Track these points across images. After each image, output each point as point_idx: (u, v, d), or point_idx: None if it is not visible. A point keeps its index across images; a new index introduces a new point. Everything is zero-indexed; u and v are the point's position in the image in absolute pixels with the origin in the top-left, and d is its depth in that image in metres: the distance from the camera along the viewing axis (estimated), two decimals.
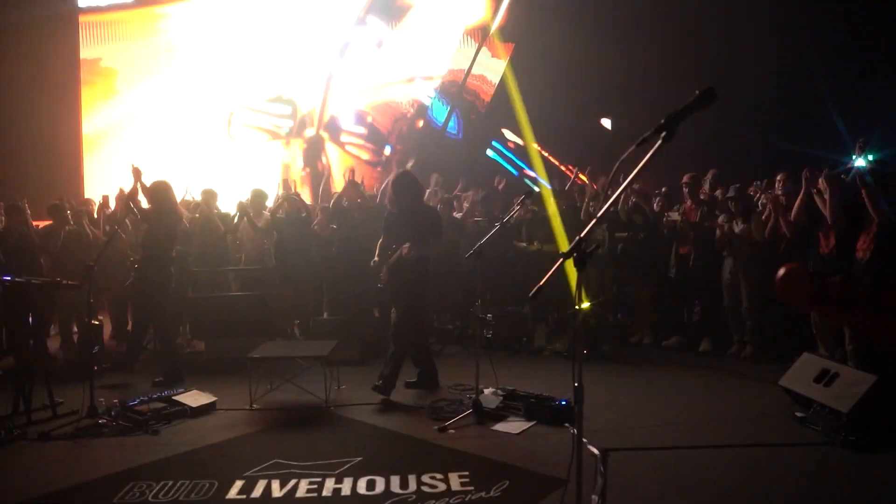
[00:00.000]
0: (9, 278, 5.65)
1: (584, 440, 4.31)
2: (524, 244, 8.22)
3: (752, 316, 7.01)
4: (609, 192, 2.40)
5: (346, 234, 8.16)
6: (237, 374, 6.04)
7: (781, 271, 1.58)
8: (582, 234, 2.50)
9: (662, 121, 2.11)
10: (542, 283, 2.72)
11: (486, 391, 5.60)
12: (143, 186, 6.78)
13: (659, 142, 2.15)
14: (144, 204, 6.90)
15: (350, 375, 6.44)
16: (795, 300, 1.57)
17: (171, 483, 4.05)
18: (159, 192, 6.71)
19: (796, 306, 1.60)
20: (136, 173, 6.77)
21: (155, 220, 6.69)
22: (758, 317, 7.00)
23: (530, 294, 2.78)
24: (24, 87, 11.58)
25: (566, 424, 4.96)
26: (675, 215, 7.71)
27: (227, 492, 3.95)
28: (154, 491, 3.95)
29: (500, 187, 9.44)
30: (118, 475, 4.21)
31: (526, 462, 4.35)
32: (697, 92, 2.05)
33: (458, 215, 8.60)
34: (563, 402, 5.15)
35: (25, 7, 11.60)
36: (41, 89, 11.92)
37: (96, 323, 6.27)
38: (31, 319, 5.74)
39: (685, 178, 7.67)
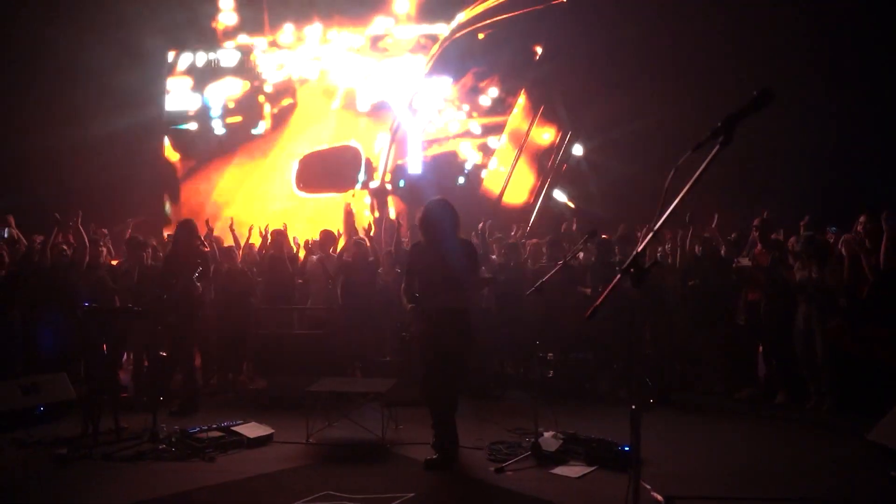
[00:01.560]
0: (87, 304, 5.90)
1: (648, 486, 4.13)
2: (588, 290, 8.04)
3: (830, 366, 6.61)
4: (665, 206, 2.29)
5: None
6: (296, 409, 6.07)
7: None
8: (638, 249, 2.42)
9: (719, 124, 2.03)
10: (598, 301, 2.62)
11: (547, 434, 5.41)
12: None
13: (717, 147, 2.07)
14: None
15: (409, 416, 6.36)
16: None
17: None
18: (188, 231, 6.88)
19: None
20: None
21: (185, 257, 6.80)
22: (835, 367, 6.58)
23: (586, 314, 2.69)
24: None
25: (629, 470, 4.72)
26: (745, 261, 7.42)
27: None
28: None
29: (565, 230, 9.32)
30: (173, 496, 4.28)
31: None
32: (755, 93, 1.97)
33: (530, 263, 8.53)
34: (627, 448, 4.93)
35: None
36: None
37: (164, 354, 6.47)
38: (104, 348, 6.00)
39: (755, 221, 7.41)
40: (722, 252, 7.74)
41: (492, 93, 12.60)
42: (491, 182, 12.53)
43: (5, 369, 6.80)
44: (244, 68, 13.39)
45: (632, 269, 2.42)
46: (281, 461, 5.09)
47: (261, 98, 13.36)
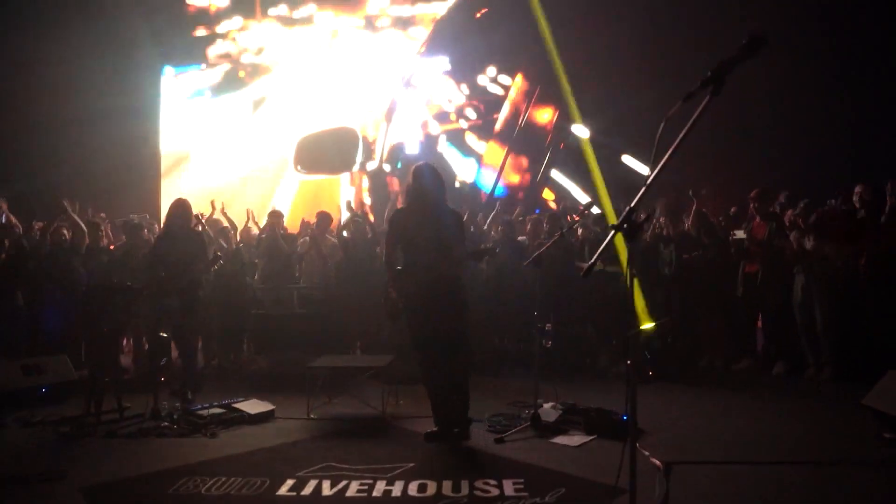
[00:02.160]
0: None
1: (647, 453, 4.16)
2: (584, 265, 8.05)
3: (829, 336, 6.63)
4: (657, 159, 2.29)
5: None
6: (297, 387, 6.05)
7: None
8: (632, 204, 2.42)
9: (709, 73, 2.03)
10: (594, 259, 2.64)
11: (546, 405, 5.45)
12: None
13: (707, 98, 2.07)
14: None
15: (409, 393, 6.39)
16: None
17: (223, 479, 4.10)
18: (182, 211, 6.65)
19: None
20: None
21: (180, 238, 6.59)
22: (835, 336, 6.61)
23: (581, 273, 2.70)
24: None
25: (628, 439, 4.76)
26: (740, 233, 7.42)
27: (277, 489, 3.96)
28: (207, 485, 4.02)
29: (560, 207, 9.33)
30: (175, 470, 4.31)
31: (584, 472, 4.20)
32: (745, 39, 1.97)
33: (522, 238, 8.54)
34: (626, 417, 4.96)
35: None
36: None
37: (164, 336, 6.48)
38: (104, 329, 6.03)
39: (752, 194, 7.40)
40: (720, 224, 7.75)
41: (490, 72, 12.53)
42: (490, 160, 12.50)
43: (10, 351, 6.83)
44: (236, 59, 13.26)
45: (625, 225, 2.43)
46: (282, 436, 5.13)
47: (249, 79, 13.20)
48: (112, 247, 8.47)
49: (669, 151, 2.20)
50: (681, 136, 2.14)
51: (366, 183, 12.72)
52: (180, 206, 6.53)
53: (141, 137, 12.81)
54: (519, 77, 12.49)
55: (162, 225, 7.31)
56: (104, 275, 7.54)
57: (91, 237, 7.84)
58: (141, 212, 10.07)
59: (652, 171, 2.31)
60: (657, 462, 3.84)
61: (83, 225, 7.82)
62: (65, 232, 7.72)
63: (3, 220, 7.98)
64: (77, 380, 6.58)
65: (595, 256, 2.67)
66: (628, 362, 2.62)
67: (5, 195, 8.26)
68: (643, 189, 2.37)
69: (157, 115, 13.21)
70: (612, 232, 2.48)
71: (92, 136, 11.31)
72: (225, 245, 8.29)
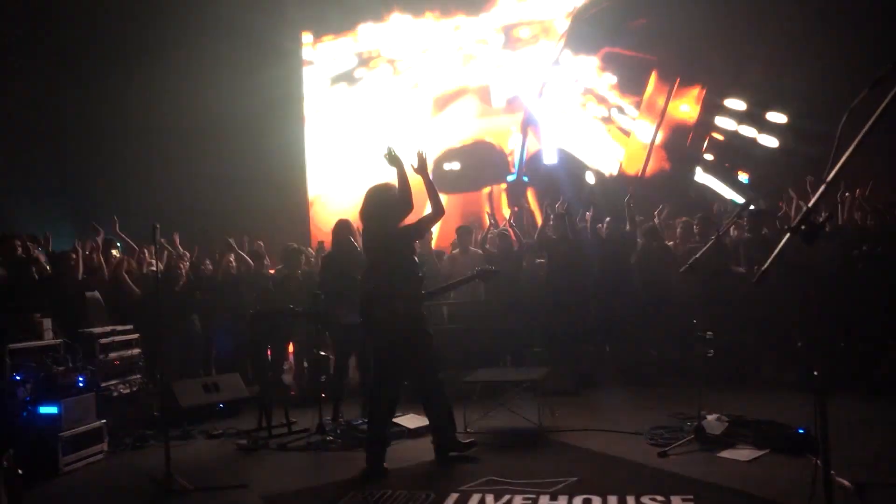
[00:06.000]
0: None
1: (832, 472, 3.83)
2: (742, 269, 7.59)
3: None
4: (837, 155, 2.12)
5: (555, 266, 8.12)
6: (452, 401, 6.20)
7: None
8: (810, 204, 2.26)
9: None
10: (766, 265, 2.48)
11: (710, 417, 5.18)
12: None
13: None
14: None
15: (564, 404, 6.33)
16: None
17: (389, 492, 4.24)
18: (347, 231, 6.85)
19: None
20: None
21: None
22: None
23: (754, 280, 2.55)
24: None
25: (808, 455, 4.42)
26: None
27: (442, 502, 4.02)
28: (374, 498, 4.16)
29: (715, 209, 8.88)
30: (342, 483, 4.53)
31: (760, 490, 3.94)
32: None
33: (670, 243, 8.22)
34: (802, 431, 4.63)
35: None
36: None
37: (323, 354, 6.82)
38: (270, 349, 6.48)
39: None
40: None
41: (624, 72, 12.19)
42: (630, 164, 12.13)
43: (189, 369, 7.47)
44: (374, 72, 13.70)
45: (803, 227, 2.27)
46: None
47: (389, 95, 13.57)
48: (272, 271, 9.03)
49: (853, 145, 2.03)
50: (868, 124, 1.97)
51: (505, 195, 12.75)
52: (344, 226, 6.81)
53: (290, 175, 13.58)
54: (653, 74, 12.06)
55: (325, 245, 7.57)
56: (267, 300, 8.07)
57: (255, 266, 8.42)
58: (293, 238, 10.70)
59: (832, 166, 2.15)
60: (846, 483, 3.54)
61: (247, 257, 8.43)
62: (232, 263, 8.35)
63: (180, 252, 8.75)
64: (248, 396, 7.12)
65: (768, 262, 2.51)
66: (815, 373, 2.42)
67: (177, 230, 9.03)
68: (822, 187, 2.21)
69: (303, 154, 13.94)
70: (787, 235, 2.33)
71: (246, 173, 12.21)
72: None
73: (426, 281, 5.27)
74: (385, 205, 4.86)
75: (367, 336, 5.22)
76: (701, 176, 11.53)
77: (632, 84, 12.12)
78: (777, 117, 10.70)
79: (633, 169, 12.08)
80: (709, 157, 11.54)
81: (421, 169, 4.90)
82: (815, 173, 7.13)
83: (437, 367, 5.12)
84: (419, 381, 5.10)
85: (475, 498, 4.06)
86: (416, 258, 5.07)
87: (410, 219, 4.99)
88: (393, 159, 4.82)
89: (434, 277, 7.21)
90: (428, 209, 5.07)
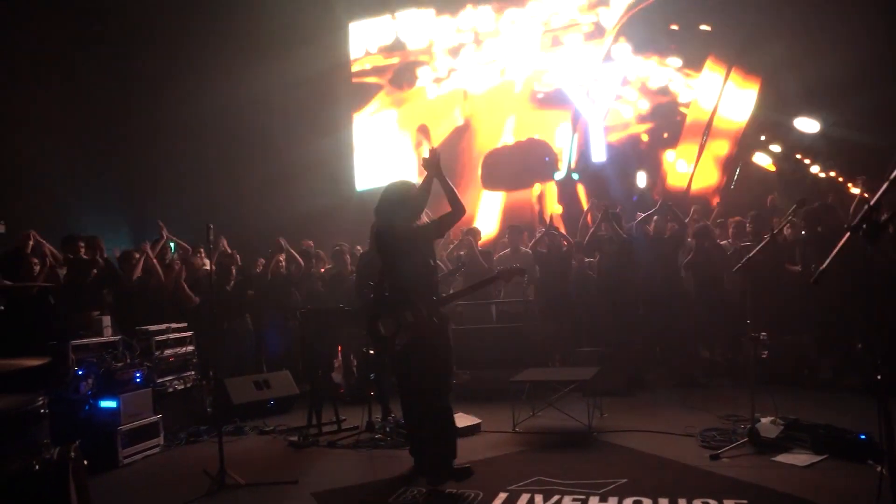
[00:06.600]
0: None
1: None
2: (797, 267, 7.38)
3: None
4: None
5: (605, 265, 8.04)
6: (500, 401, 6.24)
7: None
8: (871, 202, 2.20)
9: None
10: (825, 264, 2.42)
11: (764, 420, 5.06)
12: None
13: None
14: None
15: (613, 405, 6.27)
16: None
17: (437, 490, 4.27)
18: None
19: None
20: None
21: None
22: None
23: (812, 279, 2.49)
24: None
25: (869, 462, 4.29)
26: None
27: (490, 502, 4.02)
28: (423, 495, 4.20)
29: (771, 203, 8.63)
30: (393, 479, 4.58)
31: (817, 497, 3.82)
32: None
33: (724, 243, 8.06)
34: (863, 437, 4.48)
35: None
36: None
37: (371, 353, 6.89)
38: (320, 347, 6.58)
39: None
40: None
41: (671, 73, 11.99)
42: (675, 174, 11.92)
43: (241, 367, 7.64)
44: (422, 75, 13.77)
45: (864, 226, 2.21)
46: (490, 449, 5.23)
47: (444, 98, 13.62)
48: (322, 269, 9.15)
49: None
50: None
51: (555, 194, 12.65)
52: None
53: (339, 176, 13.77)
54: (702, 70, 11.81)
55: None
56: (317, 299, 8.19)
57: (304, 265, 8.54)
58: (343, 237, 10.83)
59: None
60: None
61: (298, 256, 8.55)
62: (282, 263, 8.49)
63: (230, 251, 8.92)
64: (298, 394, 7.24)
65: (827, 261, 2.45)
66: (878, 377, 2.35)
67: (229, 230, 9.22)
68: (885, 185, 2.14)
69: (351, 155, 14.09)
70: (847, 234, 2.27)
71: (297, 181, 12.46)
72: None
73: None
74: (402, 204, 4.59)
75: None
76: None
77: (680, 84, 11.93)
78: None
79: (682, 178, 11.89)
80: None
81: (432, 167, 4.55)
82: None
83: (447, 389, 4.68)
84: (419, 397, 4.59)
85: (524, 498, 4.05)
86: (434, 260, 4.76)
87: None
88: (427, 163, 4.58)
89: (479, 276, 7.19)
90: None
